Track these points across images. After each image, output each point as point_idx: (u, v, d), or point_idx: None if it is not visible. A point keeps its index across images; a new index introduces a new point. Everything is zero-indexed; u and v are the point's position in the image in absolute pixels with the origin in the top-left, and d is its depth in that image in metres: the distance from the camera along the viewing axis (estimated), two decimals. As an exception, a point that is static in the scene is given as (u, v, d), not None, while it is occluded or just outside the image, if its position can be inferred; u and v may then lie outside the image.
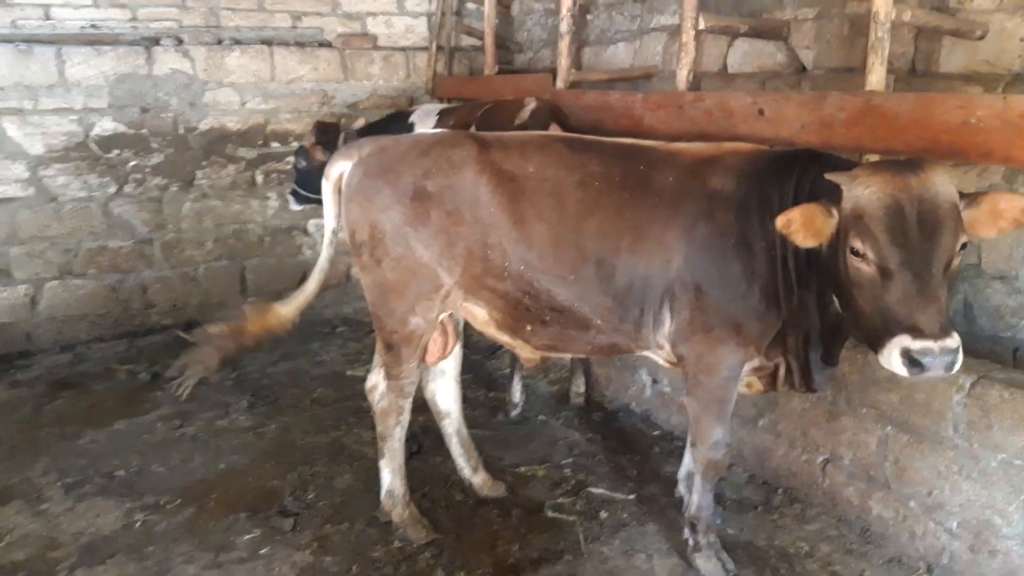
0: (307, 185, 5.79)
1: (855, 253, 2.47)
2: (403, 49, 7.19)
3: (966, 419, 3.07)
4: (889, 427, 3.39)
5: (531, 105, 4.98)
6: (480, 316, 3.41)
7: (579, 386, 5.07)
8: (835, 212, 2.55)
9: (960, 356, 2.34)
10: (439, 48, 7.20)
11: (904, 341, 2.34)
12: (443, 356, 3.69)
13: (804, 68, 4.65)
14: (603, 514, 3.81)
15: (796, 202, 2.83)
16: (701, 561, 3.31)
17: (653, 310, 3.08)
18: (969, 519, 3.11)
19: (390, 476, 3.65)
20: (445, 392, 3.88)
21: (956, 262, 2.42)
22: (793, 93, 3.70)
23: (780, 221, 2.56)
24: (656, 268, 3.02)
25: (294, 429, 4.82)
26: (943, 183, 2.42)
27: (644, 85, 5.78)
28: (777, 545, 3.53)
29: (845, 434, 3.59)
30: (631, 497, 3.97)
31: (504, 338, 3.45)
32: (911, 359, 2.33)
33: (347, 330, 6.73)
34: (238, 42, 6.54)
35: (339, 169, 3.39)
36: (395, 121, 5.90)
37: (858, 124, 3.39)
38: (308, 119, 6.78)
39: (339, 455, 4.49)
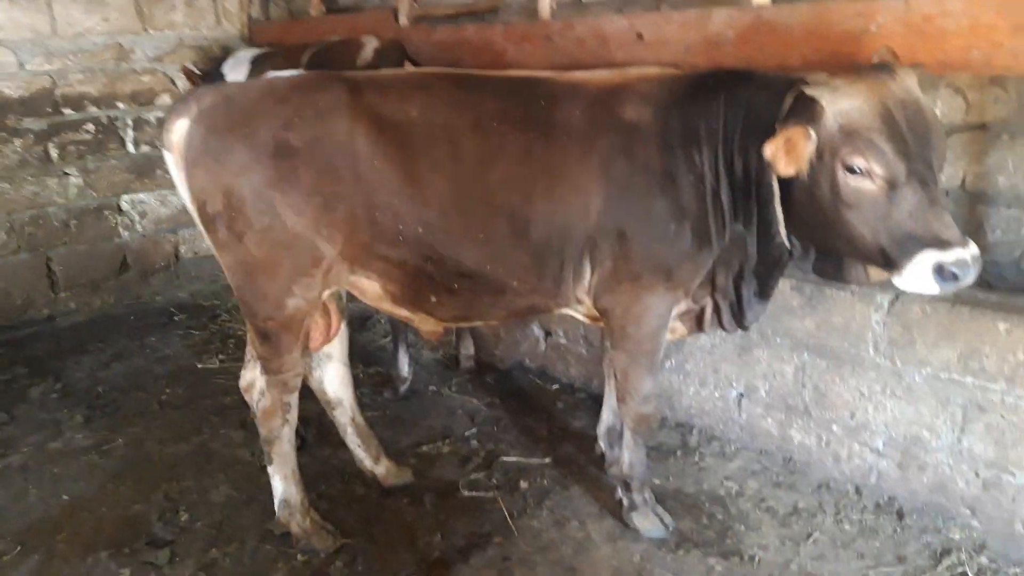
0: None
1: (854, 171, 2.27)
2: (209, -8, 6.31)
3: (887, 337, 3.05)
4: (806, 354, 3.34)
5: (373, 44, 4.48)
6: (371, 290, 2.96)
7: (468, 348, 4.72)
8: (813, 133, 2.31)
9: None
10: (251, -11, 6.39)
11: (935, 256, 2.19)
12: (328, 339, 3.20)
13: (662, -9, 4.45)
14: (523, 484, 3.54)
15: (726, 131, 2.60)
16: (639, 520, 3.13)
17: (573, 262, 2.78)
18: (896, 437, 3.12)
19: (283, 483, 3.16)
20: (334, 378, 3.40)
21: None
22: (674, 13, 3.46)
23: (768, 150, 2.32)
24: (575, 215, 2.70)
25: (148, 440, 4.13)
26: (915, 83, 2.32)
27: (489, 18, 5.38)
28: (706, 489, 3.43)
29: (759, 366, 3.51)
30: (547, 460, 3.72)
31: (402, 312, 3.02)
32: (946, 273, 2.19)
33: (186, 318, 5.94)
34: (2, -10, 5.41)
35: (179, 128, 2.76)
36: (209, 76, 5.18)
37: (749, 42, 3.20)
38: (105, 79, 5.85)
39: (208, 464, 3.89)
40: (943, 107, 3.43)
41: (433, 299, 2.87)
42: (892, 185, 2.23)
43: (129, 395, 4.69)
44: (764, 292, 2.85)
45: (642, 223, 2.67)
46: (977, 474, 2.95)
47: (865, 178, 2.26)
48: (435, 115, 2.73)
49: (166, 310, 6.06)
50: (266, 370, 2.99)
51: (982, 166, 3.38)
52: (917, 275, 2.24)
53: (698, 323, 3.01)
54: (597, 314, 2.94)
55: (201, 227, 2.83)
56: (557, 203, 2.70)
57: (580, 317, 3.09)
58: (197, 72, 5.22)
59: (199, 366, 5.04)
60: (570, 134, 2.71)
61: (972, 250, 2.21)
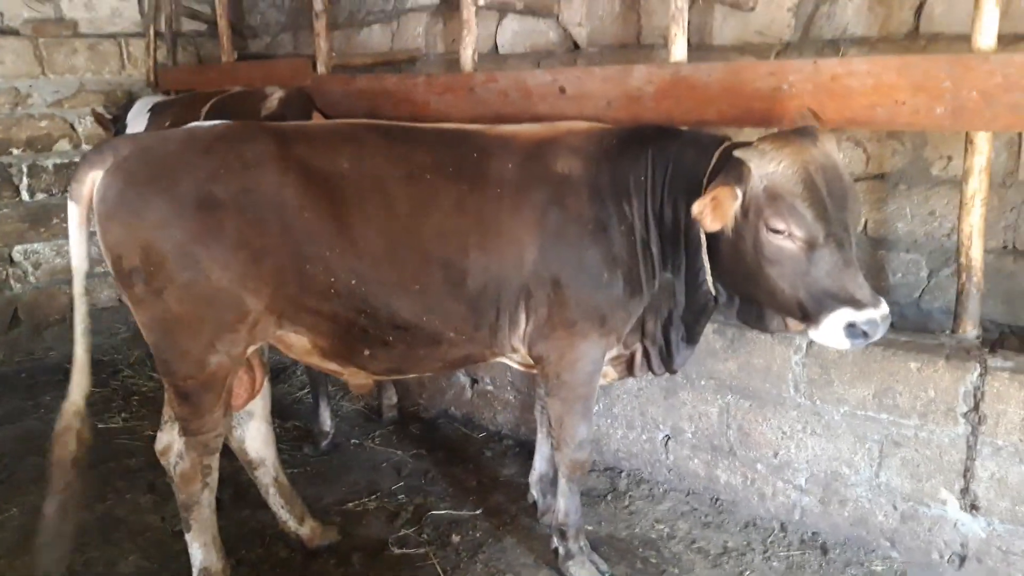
0: None
1: (776, 231, 2.36)
2: (113, 36, 6.11)
3: (806, 378, 3.17)
4: (730, 395, 3.43)
5: (278, 94, 4.45)
6: (299, 344, 2.87)
7: (390, 398, 4.63)
8: (738, 192, 2.40)
9: None
10: (157, 34, 6.22)
11: (848, 315, 2.31)
12: (252, 396, 3.08)
13: (577, 46, 4.59)
14: (455, 538, 3.46)
15: (654, 184, 2.68)
16: (575, 569, 3.10)
17: (509, 311, 2.78)
18: (817, 473, 3.23)
19: (202, 551, 2.99)
20: (256, 437, 3.25)
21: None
22: (596, 68, 3.57)
23: (696, 207, 2.38)
24: (509, 265, 2.71)
25: (46, 510, 3.83)
26: (835, 148, 2.44)
27: (407, 69, 5.42)
28: (638, 533, 3.44)
29: (685, 408, 3.58)
30: (478, 512, 3.66)
31: (331, 367, 2.94)
32: (857, 330, 2.31)
33: (84, 374, 5.58)
34: None
35: (91, 180, 2.63)
36: (117, 121, 5.01)
37: (667, 96, 3.34)
38: (-1, 125, 5.54)
39: (115, 531, 3.64)
40: (845, 158, 3.66)
41: (366, 352, 2.80)
42: (811, 246, 2.34)
43: (23, 460, 4.34)
44: (692, 337, 2.92)
45: (576, 271, 2.70)
46: (895, 507, 3.08)
47: (786, 238, 2.37)
48: (366, 166, 2.70)
49: (61, 366, 5.64)
50: (185, 431, 2.83)
51: (882, 213, 3.61)
52: (830, 331, 2.37)
53: (628, 368, 3.05)
54: (531, 362, 2.94)
55: (116, 282, 2.68)
56: (492, 254, 2.70)
57: (514, 365, 3.09)
58: (108, 116, 5.03)
59: (100, 426, 4.72)
60: (503, 186, 2.73)
61: (883, 310, 2.34)
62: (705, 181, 2.50)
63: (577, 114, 3.55)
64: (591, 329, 2.76)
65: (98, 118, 5.18)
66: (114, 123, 4.90)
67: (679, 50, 3.36)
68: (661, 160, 2.66)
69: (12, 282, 5.82)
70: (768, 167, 2.36)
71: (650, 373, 3.04)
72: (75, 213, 2.66)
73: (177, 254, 2.55)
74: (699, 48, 4.06)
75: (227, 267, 2.58)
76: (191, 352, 2.67)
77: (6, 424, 4.78)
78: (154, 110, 4.84)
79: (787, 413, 3.26)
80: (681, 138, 2.74)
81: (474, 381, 4.47)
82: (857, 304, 2.31)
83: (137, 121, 4.81)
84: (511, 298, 2.76)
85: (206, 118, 4.33)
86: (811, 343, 3.13)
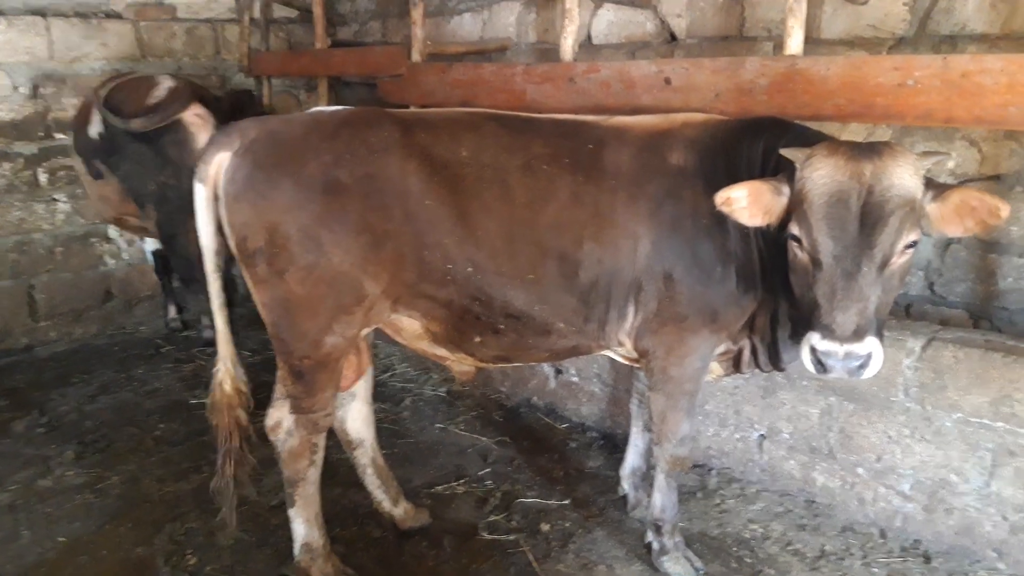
0: None
1: (792, 238, 2.33)
2: (208, 21, 6.26)
3: (917, 382, 3.09)
4: (833, 397, 3.37)
5: (167, 83, 4.72)
6: (410, 329, 2.91)
7: None
8: (785, 190, 2.37)
9: (874, 362, 2.23)
10: (251, 20, 6.35)
11: (813, 339, 2.26)
12: (358, 378, 3.14)
13: (675, 37, 4.54)
14: (544, 526, 3.48)
15: (764, 174, 2.63)
16: (670, 564, 3.09)
17: (618, 305, 2.77)
18: (923, 480, 3.16)
19: (305, 527, 3.06)
20: (357, 418, 3.31)
21: (901, 260, 2.24)
22: (705, 60, 3.52)
23: (719, 198, 2.36)
24: (623, 258, 2.70)
25: (145, 479, 3.97)
26: (902, 173, 2.21)
27: (496, 58, 5.44)
28: (731, 532, 3.41)
29: (783, 408, 3.53)
30: (566, 502, 3.67)
31: (440, 352, 2.97)
32: (816, 356, 2.25)
33: (173, 349, 5.75)
34: (1, 12, 5.28)
35: (217, 162, 2.70)
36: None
37: (782, 90, 3.27)
38: (99, 104, 5.71)
39: (212, 504, 3.63)
40: (958, 158, 3.55)
41: (477, 339, 2.83)
42: (815, 261, 2.28)
43: (120, 430, 4.51)
44: (798, 335, 2.87)
45: (690, 265, 2.68)
46: (1005, 517, 2.99)
47: (799, 246, 2.33)
48: (485, 156, 2.71)
49: (152, 341, 5.89)
50: (296, 409, 2.90)
51: (995, 216, 3.48)
52: (803, 348, 2.32)
53: (736, 364, 3.02)
54: (636, 356, 2.93)
55: (239, 262, 2.76)
56: (606, 246, 2.70)
57: (618, 358, 3.08)
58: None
59: (192, 401, 4.88)
60: (618, 178, 2.72)
61: (853, 348, 2.19)
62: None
63: (682, 106, 3.51)
64: (701, 325, 2.73)
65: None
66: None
67: (795, 43, 3.28)
68: (771, 153, 2.62)
69: (107, 258, 6.02)
70: (806, 171, 2.29)
71: (757, 370, 3.00)
72: (202, 193, 2.73)
73: (301, 237, 2.60)
74: (806, 42, 3.97)
75: (348, 251, 2.62)
76: (308, 333, 2.73)
77: (102, 396, 4.94)
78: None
79: (894, 417, 3.19)
80: (792, 132, 2.69)
81: (558, 371, 4.48)
82: (828, 332, 2.22)
83: None
84: (621, 291, 2.75)
85: (104, 103, 4.63)
86: (925, 346, 3.06)
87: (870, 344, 2.21)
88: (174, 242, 4.87)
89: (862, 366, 2.23)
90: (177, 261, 5.00)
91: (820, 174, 2.26)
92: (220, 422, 2.90)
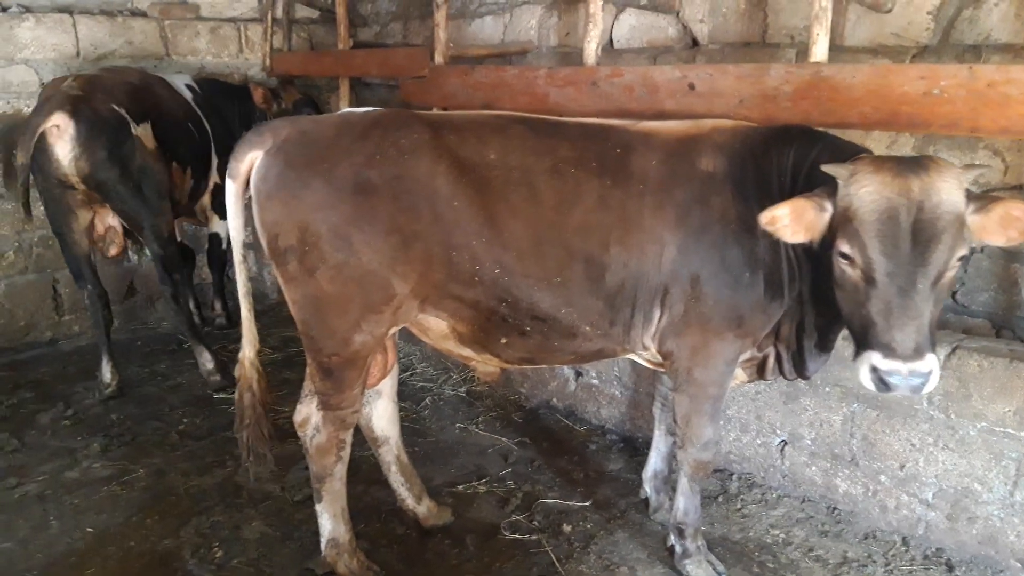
0: None
1: (842, 255, 2.33)
2: (232, 20, 6.32)
3: (942, 391, 3.09)
4: (856, 404, 3.37)
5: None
6: (437, 329, 2.94)
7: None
8: (828, 206, 2.37)
9: (933, 378, 2.24)
10: (274, 20, 6.41)
11: (874, 358, 2.25)
12: (384, 376, 3.17)
13: (696, 43, 4.55)
14: (566, 527, 3.50)
15: (795, 183, 2.65)
16: (692, 567, 3.11)
17: (644, 309, 2.79)
18: (946, 488, 3.16)
19: (332, 522, 3.10)
20: (382, 415, 3.35)
21: (950, 274, 2.25)
22: (729, 65, 3.53)
23: (764, 218, 2.37)
24: (649, 262, 2.72)
25: (170, 472, 4.02)
26: (949, 188, 2.21)
27: (517, 61, 5.46)
28: (752, 537, 3.42)
29: (806, 414, 3.54)
30: (588, 504, 3.69)
31: (466, 352, 3.00)
32: (878, 377, 2.24)
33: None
34: (29, 9, 5.36)
35: (249, 160, 2.74)
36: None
37: (806, 97, 3.28)
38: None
39: (237, 498, 3.80)
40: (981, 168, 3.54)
41: (503, 340, 2.85)
42: (868, 280, 2.27)
43: (145, 424, 4.57)
44: (825, 345, 2.87)
45: (717, 270, 2.69)
46: (1029, 528, 3.00)
47: (849, 264, 2.32)
48: (512, 159, 2.73)
49: (174, 336, 5.94)
50: (325, 406, 2.94)
51: (1020, 225, 3.48)
52: (861, 368, 2.31)
53: (760, 371, 3.03)
54: (661, 359, 2.95)
55: (270, 260, 2.80)
56: (632, 250, 2.72)
57: (642, 362, 3.09)
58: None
59: (215, 396, 4.94)
60: (646, 182, 2.74)
61: (913, 366, 2.19)
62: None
63: (706, 111, 3.52)
64: (727, 329, 2.75)
65: (264, 95, 5.49)
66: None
67: (820, 50, 3.29)
68: (802, 161, 2.63)
69: (130, 254, 6.07)
70: (852, 187, 2.29)
71: (782, 377, 3.01)
72: (233, 189, 2.78)
73: (332, 236, 2.64)
74: (829, 49, 3.99)
75: (378, 250, 2.66)
76: (338, 330, 2.77)
77: (126, 390, 5.00)
78: None
79: (918, 425, 3.19)
80: (823, 141, 2.70)
81: (578, 374, 4.50)
82: (888, 351, 2.22)
83: None
84: (647, 295, 2.77)
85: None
86: (950, 355, 3.06)
87: (931, 361, 2.22)
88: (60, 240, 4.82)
89: (924, 383, 2.23)
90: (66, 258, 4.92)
91: (868, 191, 2.25)
92: (243, 400, 3.01)
